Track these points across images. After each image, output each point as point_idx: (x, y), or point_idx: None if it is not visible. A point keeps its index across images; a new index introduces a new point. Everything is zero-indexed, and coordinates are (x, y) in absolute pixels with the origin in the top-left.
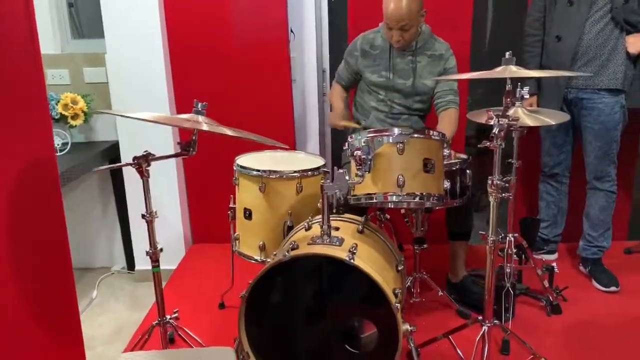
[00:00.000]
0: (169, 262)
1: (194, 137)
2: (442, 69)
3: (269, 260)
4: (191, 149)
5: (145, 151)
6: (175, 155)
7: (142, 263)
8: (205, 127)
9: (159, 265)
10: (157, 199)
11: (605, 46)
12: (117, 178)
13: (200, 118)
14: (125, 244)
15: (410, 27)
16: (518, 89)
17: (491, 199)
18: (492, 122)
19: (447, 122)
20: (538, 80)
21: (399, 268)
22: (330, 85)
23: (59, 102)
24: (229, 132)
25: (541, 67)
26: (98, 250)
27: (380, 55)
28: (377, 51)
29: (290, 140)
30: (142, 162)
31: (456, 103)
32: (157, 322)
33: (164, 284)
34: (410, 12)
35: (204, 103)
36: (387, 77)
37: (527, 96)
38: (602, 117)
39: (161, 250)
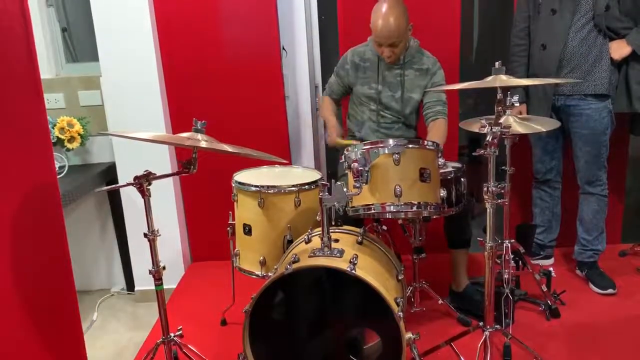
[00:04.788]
0: (168, 281)
1: (194, 155)
2: (428, 83)
3: (270, 275)
4: (192, 167)
5: (146, 170)
6: (177, 174)
7: (142, 283)
8: (205, 145)
9: (162, 284)
10: (155, 218)
11: (590, 53)
12: (114, 199)
13: (200, 136)
14: (125, 264)
15: (400, 43)
16: (508, 98)
17: (487, 205)
18: (485, 131)
19: (435, 132)
20: (526, 88)
21: (400, 277)
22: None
23: (55, 125)
24: (229, 149)
25: (528, 75)
26: (97, 272)
27: (370, 67)
28: (367, 64)
29: (285, 156)
30: (144, 182)
31: (444, 114)
32: (161, 340)
33: None
34: (398, 29)
35: (203, 122)
36: (377, 89)
37: (517, 104)
38: (590, 123)
39: (164, 268)
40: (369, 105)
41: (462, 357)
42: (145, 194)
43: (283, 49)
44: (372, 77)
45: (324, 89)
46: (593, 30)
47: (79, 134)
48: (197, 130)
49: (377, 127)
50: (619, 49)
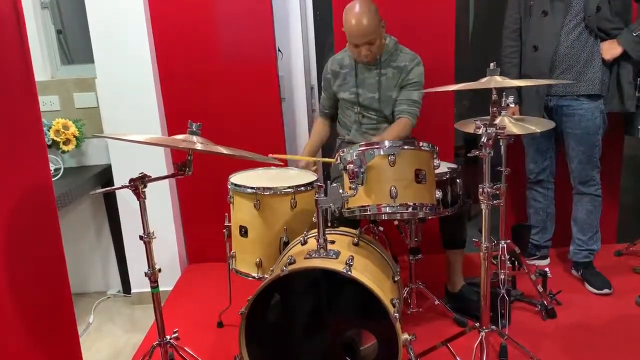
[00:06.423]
0: (165, 284)
1: (189, 157)
2: (402, 81)
3: (266, 276)
4: (187, 169)
5: (141, 173)
6: (172, 176)
7: (138, 286)
8: (200, 147)
9: (157, 286)
10: (151, 220)
11: (581, 54)
12: (110, 202)
13: (195, 138)
14: (121, 267)
15: (376, 40)
16: (503, 99)
17: (482, 206)
18: (480, 132)
19: (389, 130)
20: (519, 90)
21: (396, 278)
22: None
23: (50, 128)
24: (224, 151)
25: (520, 76)
26: (93, 275)
27: (348, 73)
28: (345, 70)
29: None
30: (139, 184)
31: (409, 113)
32: (157, 342)
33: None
34: (371, 27)
35: (198, 123)
36: (356, 92)
37: (512, 105)
38: (583, 123)
39: (159, 270)
40: (352, 109)
41: (458, 358)
42: (140, 196)
43: (278, 50)
44: (352, 82)
45: (319, 90)
46: (584, 31)
47: (75, 136)
48: (192, 132)
49: (363, 130)
50: (610, 50)
